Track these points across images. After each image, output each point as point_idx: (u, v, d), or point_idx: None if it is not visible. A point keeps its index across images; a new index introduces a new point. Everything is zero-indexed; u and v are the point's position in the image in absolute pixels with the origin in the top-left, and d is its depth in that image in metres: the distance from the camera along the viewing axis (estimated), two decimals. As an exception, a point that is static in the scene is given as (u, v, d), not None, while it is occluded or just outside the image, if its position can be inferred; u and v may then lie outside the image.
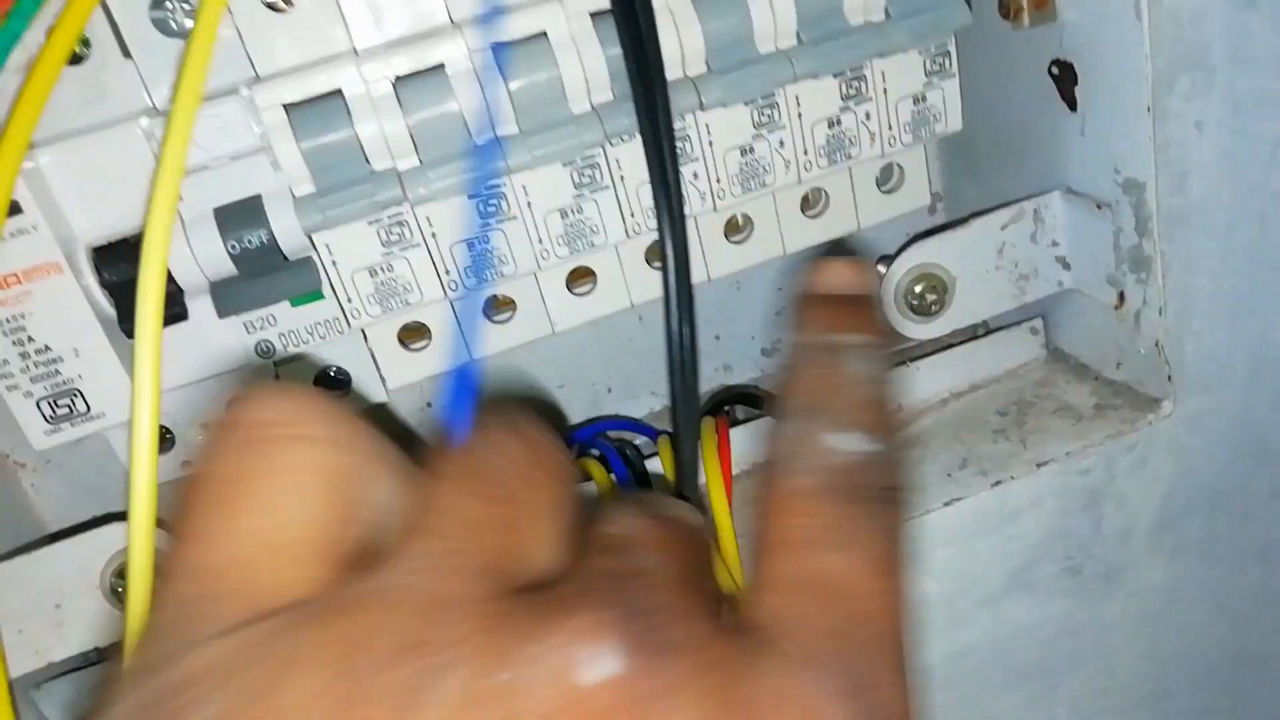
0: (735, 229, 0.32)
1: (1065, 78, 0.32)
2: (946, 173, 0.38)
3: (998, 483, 0.32)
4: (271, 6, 0.26)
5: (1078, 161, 0.32)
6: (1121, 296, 0.33)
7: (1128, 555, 0.36)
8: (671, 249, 0.23)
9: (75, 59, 0.25)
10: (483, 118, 0.25)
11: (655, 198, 0.24)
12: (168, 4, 0.26)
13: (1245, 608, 0.39)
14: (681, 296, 0.23)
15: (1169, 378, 0.32)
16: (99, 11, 0.25)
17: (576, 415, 0.41)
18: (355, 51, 0.26)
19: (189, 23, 0.26)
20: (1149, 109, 0.29)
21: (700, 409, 0.27)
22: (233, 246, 0.25)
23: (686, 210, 0.29)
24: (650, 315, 0.39)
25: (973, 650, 0.36)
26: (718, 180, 0.28)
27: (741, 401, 0.38)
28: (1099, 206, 0.32)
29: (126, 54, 0.25)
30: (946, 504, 0.32)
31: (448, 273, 0.27)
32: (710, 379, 0.43)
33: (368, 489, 0.17)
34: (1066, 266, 0.34)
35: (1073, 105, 0.32)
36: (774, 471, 0.22)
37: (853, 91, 0.28)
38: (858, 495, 0.21)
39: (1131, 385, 0.34)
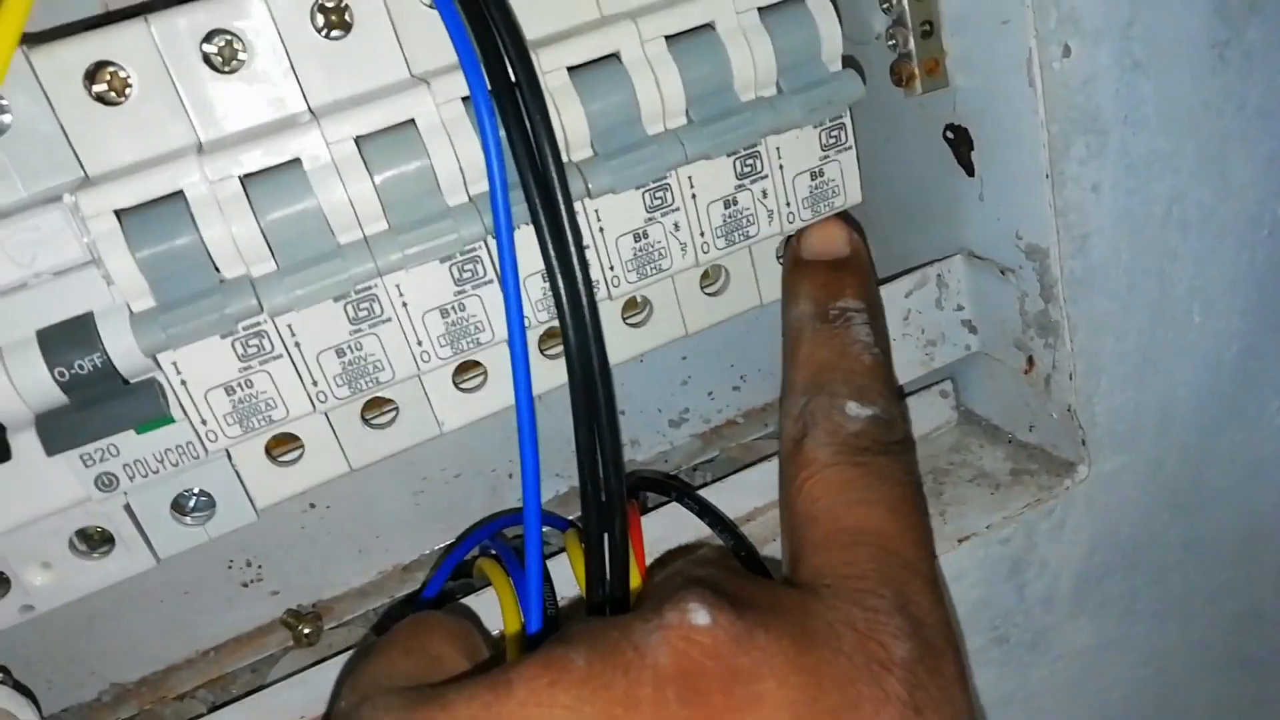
0: (634, 307, 0.30)
1: (961, 142, 0.31)
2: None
3: (920, 562, 0.31)
4: (101, 99, 0.23)
5: (978, 226, 0.32)
6: (1030, 361, 0.32)
7: (1052, 619, 0.35)
8: (580, 363, 0.22)
9: None
10: (347, 213, 0.23)
11: (554, 290, 0.22)
12: (-25, 97, 0.22)
13: (1167, 661, 0.39)
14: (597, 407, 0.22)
15: (1082, 441, 0.32)
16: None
17: (475, 507, 0.38)
18: (200, 147, 0.23)
19: (7, 120, 0.23)
20: (1047, 175, 0.28)
21: (624, 513, 0.25)
22: (60, 373, 0.22)
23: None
24: (551, 397, 0.36)
25: (903, 732, 0.34)
26: (611, 268, 0.26)
27: (648, 488, 0.36)
28: (1002, 272, 0.31)
29: (-73, 159, 0.22)
30: (869, 589, 0.30)
31: (315, 383, 0.25)
32: (617, 456, 0.41)
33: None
34: (973, 330, 0.33)
35: (970, 170, 0.31)
36: (793, 448, 0.25)
37: (747, 170, 0.27)
38: (869, 454, 0.24)
39: (1045, 449, 0.33)
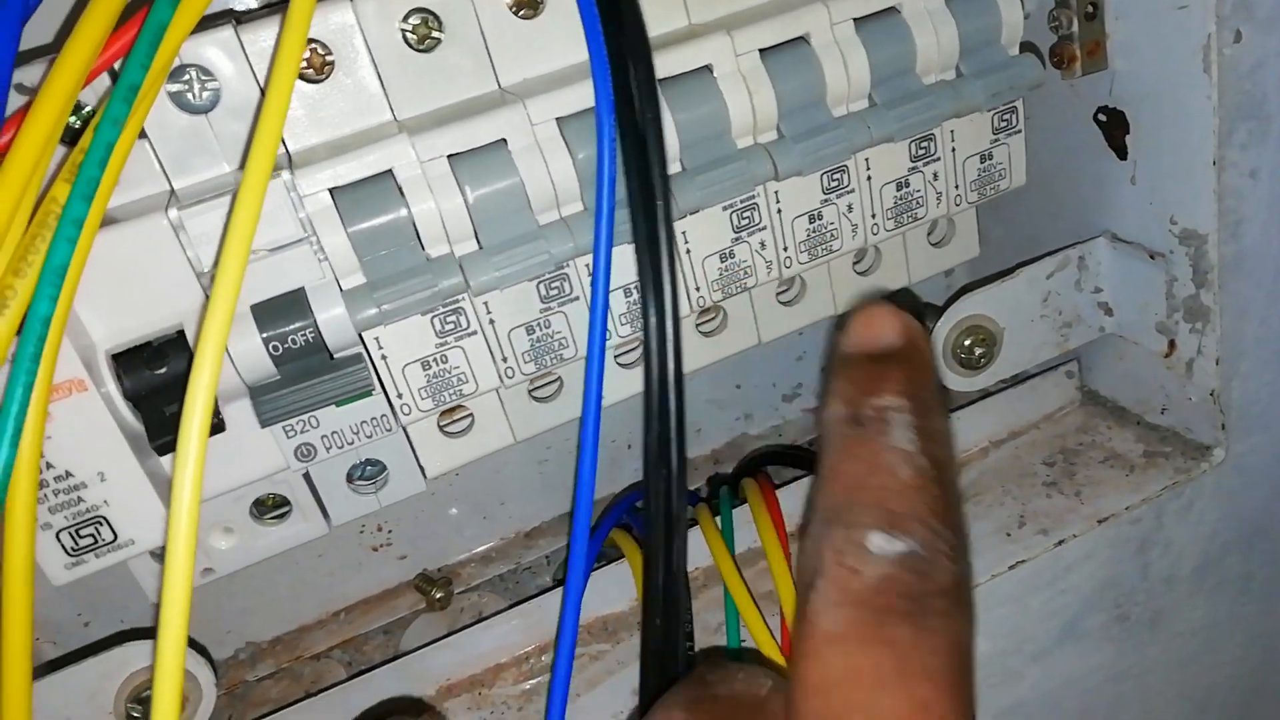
0: (786, 284, 0.30)
1: (1114, 126, 0.31)
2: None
3: (1060, 542, 0.31)
4: (301, 76, 0.24)
5: (1125, 209, 0.32)
6: (1172, 345, 0.32)
7: (1171, 598, 0.36)
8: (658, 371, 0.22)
9: (72, 138, 0.22)
10: (548, 193, 0.23)
11: (643, 301, 0.23)
12: (186, 75, 0.23)
13: (1273, 640, 0.39)
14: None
15: (1222, 425, 0.32)
16: (101, 84, 0.22)
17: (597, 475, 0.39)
18: (403, 127, 0.23)
19: (208, 95, 0.23)
20: (1214, 161, 0.28)
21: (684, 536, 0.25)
22: (274, 346, 0.22)
23: (750, 281, 0.27)
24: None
25: (1022, 706, 0.35)
26: (785, 249, 0.27)
27: (775, 461, 0.36)
28: (1151, 256, 0.31)
29: (140, 134, 0.22)
30: (1011, 567, 0.31)
31: (505, 359, 0.25)
32: (731, 428, 0.42)
33: None
34: (1109, 313, 0.34)
35: (1122, 153, 0.31)
36: (799, 599, 0.19)
37: (921, 152, 0.27)
38: (892, 619, 0.18)
39: (1178, 431, 0.34)
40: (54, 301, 0.17)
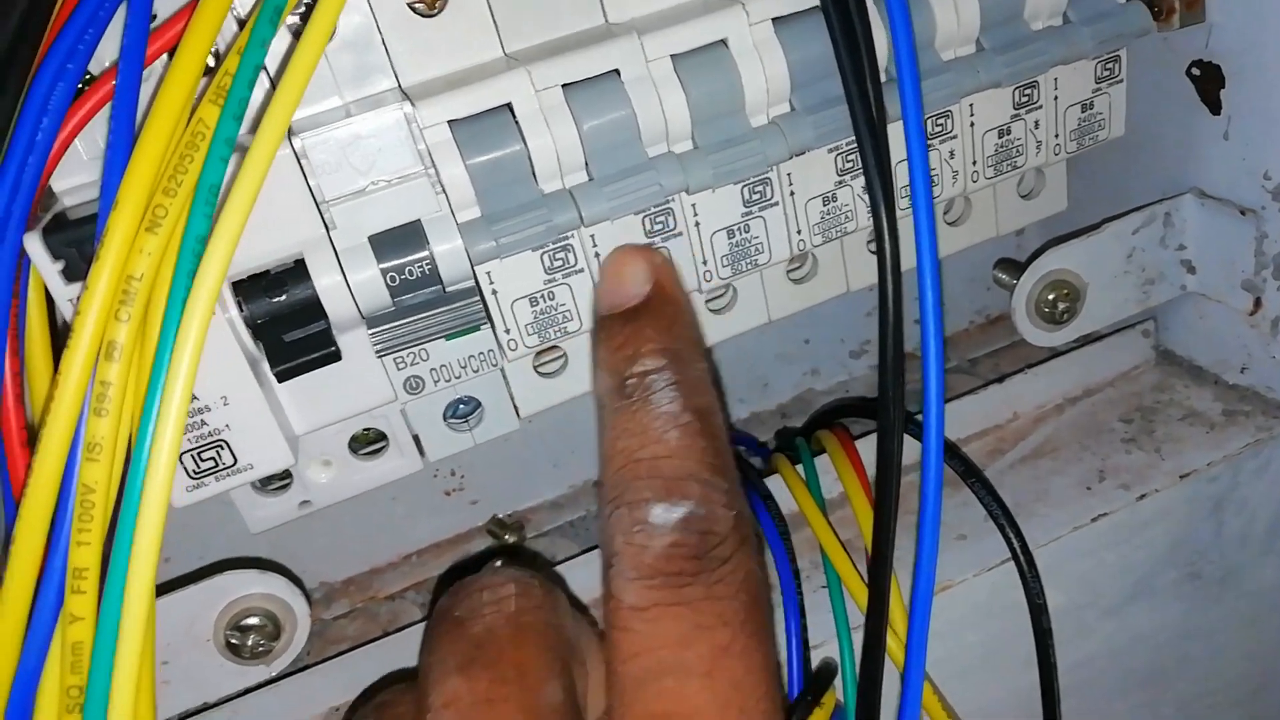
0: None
1: (1208, 80, 0.31)
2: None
3: (1142, 496, 0.31)
4: (412, 9, 0.24)
5: (1215, 165, 0.32)
6: (1258, 303, 0.32)
7: (1243, 558, 0.36)
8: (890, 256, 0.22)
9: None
10: (659, 127, 0.23)
11: (871, 197, 0.23)
12: (302, 6, 0.23)
13: (1341, 602, 0.39)
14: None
15: (1306, 384, 0.32)
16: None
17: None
18: (513, 62, 0.24)
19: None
20: (1316, 115, 0.28)
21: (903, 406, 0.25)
22: (391, 277, 0.23)
23: (850, 226, 0.27)
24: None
25: (1092, 660, 0.35)
26: (886, 194, 0.27)
27: (844, 415, 0.37)
28: (1242, 212, 0.31)
29: (262, 64, 0.23)
30: (1094, 519, 0.31)
31: (608, 297, 0.25)
32: (798, 383, 0.42)
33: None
34: (1192, 270, 0.34)
35: (1215, 108, 0.31)
36: (603, 580, 0.20)
37: (1024, 100, 0.27)
38: (682, 582, 0.19)
39: (1259, 390, 0.34)
40: (209, 219, 0.17)
